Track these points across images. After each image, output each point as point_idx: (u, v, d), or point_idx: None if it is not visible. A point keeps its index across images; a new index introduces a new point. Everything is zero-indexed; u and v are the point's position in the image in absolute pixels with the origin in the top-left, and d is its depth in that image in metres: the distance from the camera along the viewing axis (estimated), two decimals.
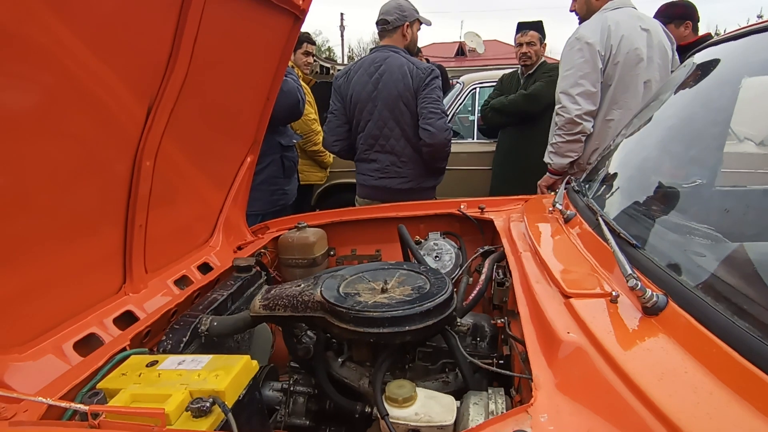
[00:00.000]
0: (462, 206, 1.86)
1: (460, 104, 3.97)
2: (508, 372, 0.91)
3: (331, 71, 4.64)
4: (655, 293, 0.78)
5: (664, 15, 2.97)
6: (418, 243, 1.82)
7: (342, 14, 35.63)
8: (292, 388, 1.26)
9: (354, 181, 4.02)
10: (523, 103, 3.10)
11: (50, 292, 1.17)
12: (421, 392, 0.95)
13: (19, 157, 1.00)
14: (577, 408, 0.67)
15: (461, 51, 15.39)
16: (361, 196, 2.74)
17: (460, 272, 1.51)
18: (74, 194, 1.17)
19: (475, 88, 3.97)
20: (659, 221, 1.07)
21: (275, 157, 2.75)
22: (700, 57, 1.49)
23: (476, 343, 1.29)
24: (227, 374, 0.90)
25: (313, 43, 3.54)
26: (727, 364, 0.63)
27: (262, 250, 1.77)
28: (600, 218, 1.06)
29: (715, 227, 0.95)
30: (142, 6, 1.13)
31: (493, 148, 3.58)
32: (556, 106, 2.37)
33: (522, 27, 3.25)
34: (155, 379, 0.93)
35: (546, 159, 2.52)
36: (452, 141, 2.55)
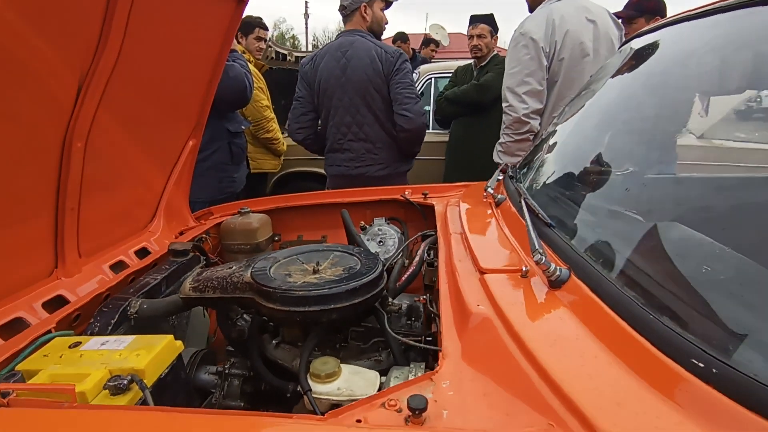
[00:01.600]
0: (406, 192, 1.89)
1: None
2: (422, 345, 0.95)
3: (288, 58, 4.58)
4: (558, 267, 0.82)
5: (636, 8, 2.98)
6: (363, 228, 1.85)
7: (306, 2, 35.07)
8: (227, 371, 1.26)
9: (311, 169, 4.02)
10: (474, 93, 3.16)
11: None
12: (345, 368, 0.97)
13: None
14: (478, 375, 0.71)
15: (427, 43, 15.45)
16: (333, 188, 2.70)
17: (398, 254, 1.54)
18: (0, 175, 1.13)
19: (431, 79, 4.01)
20: (579, 204, 1.12)
21: (222, 143, 2.70)
22: (635, 44, 1.55)
23: (411, 323, 1.33)
24: (148, 353, 0.90)
25: (266, 28, 3.48)
26: (613, 331, 0.68)
27: (204, 236, 1.76)
28: (522, 200, 1.11)
29: (634, 210, 1.01)
30: None
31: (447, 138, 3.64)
32: (504, 104, 2.38)
33: (473, 20, 3.31)
34: (77, 359, 0.92)
35: (495, 158, 2.53)
36: None
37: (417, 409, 0.61)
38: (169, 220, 1.87)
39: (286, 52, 4.49)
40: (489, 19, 3.32)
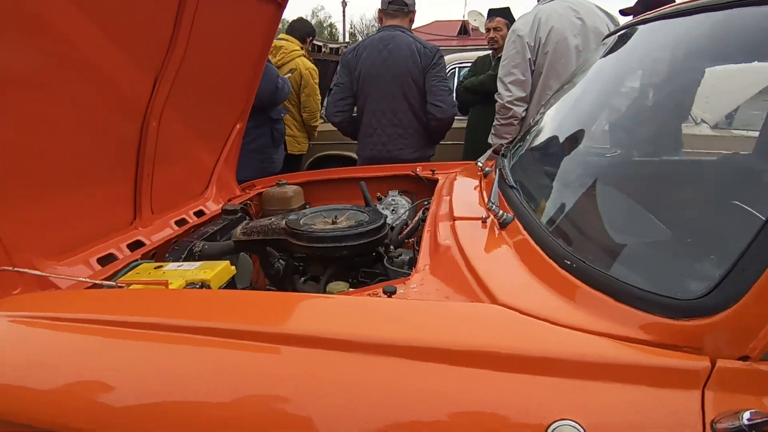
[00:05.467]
0: (417, 169, 2.20)
1: None
2: (404, 271, 1.27)
3: (323, 49, 4.92)
4: (505, 213, 1.13)
5: (641, 4, 3.16)
6: (379, 199, 2.17)
7: None
8: None
9: (342, 153, 4.37)
10: (490, 82, 3.40)
11: (79, 222, 1.52)
12: (352, 290, 1.30)
13: (55, 122, 1.33)
14: (436, 280, 1.02)
15: (464, 30, 15.51)
16: None
17: (404, 215, 1.86)
18: (93, 149, 1.50)
19: (455, 68, 4.26)
20: (540, 173, 1.41)
21: (265, 129, 3.07)
22: (612, 39, 1.79)
23: (410, 270, 1.65)
24: (212, 270, 1.26)
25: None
26: (529, 251, 0.98)
27: (248, 202, 2.13)
28: (497, 169, 1.41)
29: (573, 177, 1.29)
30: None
31: None
32: (496, 93, 2.68)
33: (491, 14, 3.55)
34: (161, 274, 1.29)
35: (489, 140, 2.83)
36: None
37: (389, 292, 0.94)
38: (220, 189, 2.25)
39: (321, 44, 4.82)
40: (505, 13, 3.54)
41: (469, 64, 4.08)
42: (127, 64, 1.49)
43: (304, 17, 4.25)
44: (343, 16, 36.14)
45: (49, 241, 1.42)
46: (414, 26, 3.09)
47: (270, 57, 3.36)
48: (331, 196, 2.31)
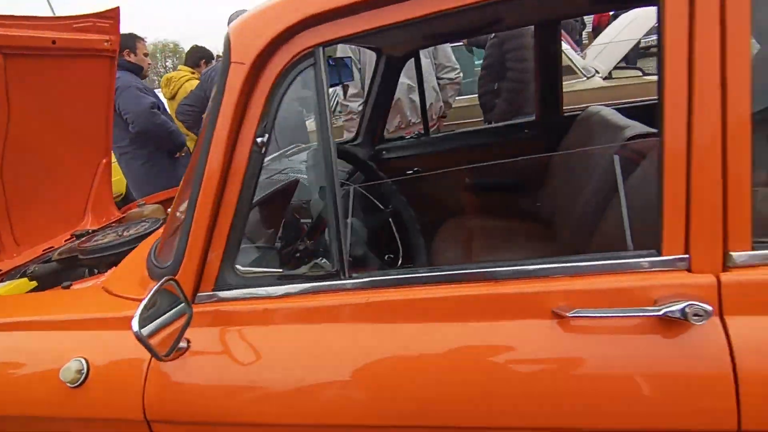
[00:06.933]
0: None
1: None
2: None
3: None
4: None
5: None
6: None
7: None
8: None
9: None
10: None
11: None
12: None
13: None
14: (110, 275, 1.43)
15: None
16: None
17: None
18: None
19: None
20: None
21: (162, 153, 3.46)
22: None
23: None
24: (7, 287, 1.70)
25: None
26: None
27: (112, 224, 2.57)
28: None
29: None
30: None
31: None
32: None
33: None
34: None
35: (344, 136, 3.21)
36: None
37: (65, 287, 1.35)
38: (98, 215, 2.70)
39: None
40: None
41: None
42: None
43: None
44: None
45: None
46: None
47: (164, 88, 3.79)
48: None
